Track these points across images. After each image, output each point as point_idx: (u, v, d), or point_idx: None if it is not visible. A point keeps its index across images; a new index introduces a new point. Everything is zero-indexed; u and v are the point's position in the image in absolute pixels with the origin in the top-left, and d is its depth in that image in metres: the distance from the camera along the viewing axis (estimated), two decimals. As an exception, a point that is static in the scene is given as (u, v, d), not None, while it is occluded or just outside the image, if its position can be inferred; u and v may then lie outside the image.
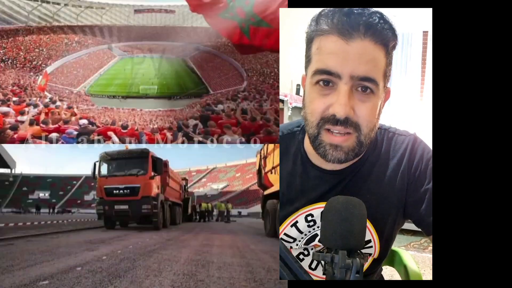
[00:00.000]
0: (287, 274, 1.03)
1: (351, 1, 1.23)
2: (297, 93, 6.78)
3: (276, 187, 5.99)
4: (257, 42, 4.19)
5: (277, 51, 4.30)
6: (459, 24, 1.31)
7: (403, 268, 1.55)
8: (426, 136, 1.36)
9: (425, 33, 6.53)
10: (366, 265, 1.35)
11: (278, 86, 10.40)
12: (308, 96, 1.14)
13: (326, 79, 1.08)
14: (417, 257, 4.43)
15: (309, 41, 1.14)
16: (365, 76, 1.06)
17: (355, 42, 1.05)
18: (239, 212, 24.01)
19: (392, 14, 1.11)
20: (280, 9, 4.07)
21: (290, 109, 6.21)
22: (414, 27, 6.24)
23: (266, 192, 6.78)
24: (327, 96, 1.09)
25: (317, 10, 1.13)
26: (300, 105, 6.43)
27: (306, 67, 1.16)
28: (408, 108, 6.46)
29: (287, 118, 6.17)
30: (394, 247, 1.62)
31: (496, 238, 1.22)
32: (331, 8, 1.10)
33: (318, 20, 1.11)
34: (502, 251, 1.20)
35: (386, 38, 1.08)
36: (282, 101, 6.27)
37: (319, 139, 1.13)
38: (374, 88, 1.08)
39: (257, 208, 13.91)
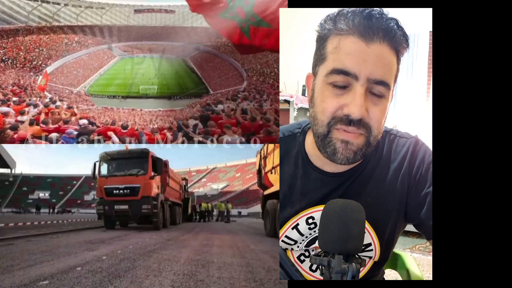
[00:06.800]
0: (284, 277, 1.03)
1: (351, 1, 1.22)
2: (303, 94, 6.73)
3: (276, 187, 5.99)
4: (257, 42, 4.18)
5: (277, 51, 4.30)
6: (459, 23, 1.31)
7: (405, 272, 1.54)
8: (432, 138, 1.34)
9: (431, 33, 6.44)
10: (366, 268, 1.34)
11: (278, 86, 10.39)
12: (320, 94, 1.13)
13: (342, 80, 1.08)
14: (422, 259, 4.38)
15: (323, 40, 1.13)
16: (381, 80, 1.07)
17: (374, 45, 1.05)
18: (239, 212, 24.04)
19: (403, 22, 1.13)
20: (280, 9, 4.07)
21: (295, 110, 6.15)
22: (420, 27, 6.11)
23: (266, 192, 6.79)
24: (340, 96, 1.09)
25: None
26: (306, 106, 6.42)
27: (317, 65, 1.15)
28: (414, 110, 6.39)
29: (292, 119, 6.11)
30: (398, 250, 1.60)
31: (496, 240, 1.21)
32: (350, 9, 1.10)
33: (336, 19, 1.10)
34: (503, 253, 1.20)
35: (400, 45, 1.10)
36: (288, 102, 6.21)
37: (329, 137, 1.12)
38: (385, 92, 1.09)
39: (257, 208, 13.92)
